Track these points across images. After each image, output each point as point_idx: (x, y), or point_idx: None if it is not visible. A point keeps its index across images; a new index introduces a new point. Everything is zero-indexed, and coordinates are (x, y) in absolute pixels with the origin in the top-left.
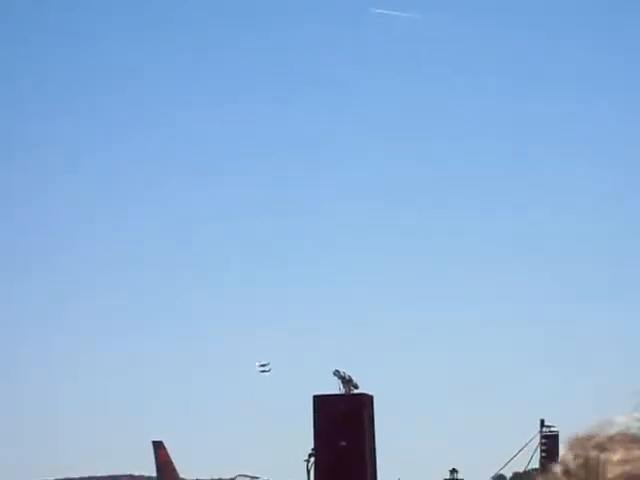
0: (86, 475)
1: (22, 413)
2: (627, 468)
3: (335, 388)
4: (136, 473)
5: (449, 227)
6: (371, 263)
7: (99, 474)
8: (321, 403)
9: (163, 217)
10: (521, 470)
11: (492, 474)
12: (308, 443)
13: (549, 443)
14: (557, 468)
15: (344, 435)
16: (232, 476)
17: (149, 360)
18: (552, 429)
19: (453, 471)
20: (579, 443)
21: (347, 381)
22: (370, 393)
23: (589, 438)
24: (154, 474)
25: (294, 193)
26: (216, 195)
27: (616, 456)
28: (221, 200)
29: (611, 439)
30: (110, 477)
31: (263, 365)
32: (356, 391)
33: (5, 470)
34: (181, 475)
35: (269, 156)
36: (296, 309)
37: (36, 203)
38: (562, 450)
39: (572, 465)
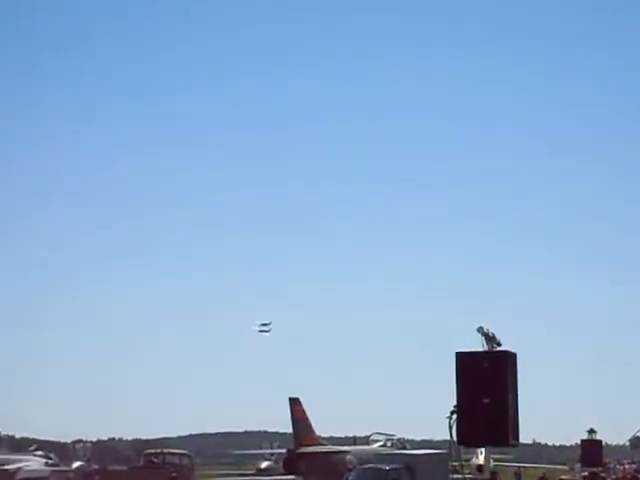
0: (222, 430)
1: (168, 371)
2: None
3: (478, 345)
4: (270, 429)
5: None
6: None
7: (234, 430)
8: (464, 360)
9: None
10: None
11: (630, 436)
12: (450, 400)
13: None
14: None
15: (487, 392)
16: (368, 434)
17: (290, 318)
18: None
19: (591, 431)
20: None
21: (490, 338)
22: (513, 350)
23: None
24: (289, 430)
25: None
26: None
27: None
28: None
29: None
30: (245, 433)
31: (264, 324)
32: (499, 348)
33: (150, 423)
34: (317, 432)
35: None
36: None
37: None
38: None
39: None
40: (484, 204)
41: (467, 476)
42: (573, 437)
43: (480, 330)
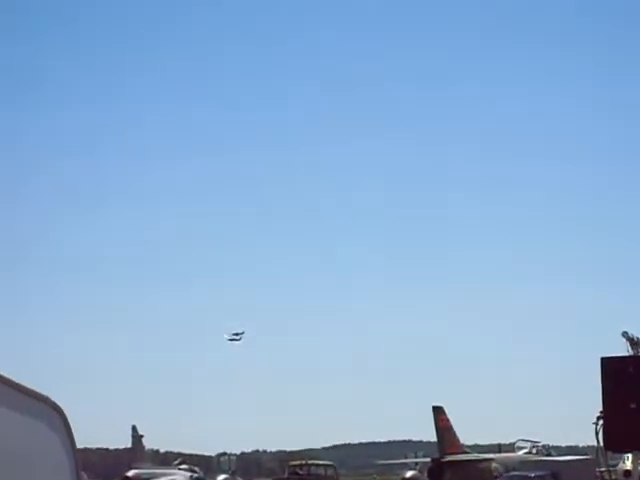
0: (365, 441)
1: (311, 383)
2: None
3: (623, 350)
4: (415, 438)
5: None
6: None
7: (377, 440)
8: (609, 365)
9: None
10: None
11: None
12: (596, 406)
13: None
14: None
15: (634, 397)
16: (512, 441)
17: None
18: None
19: None
20: None
21: (635, 343)
22: None
23: None
24: (433, 439)
25: None
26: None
27: None
28: None
29: None
30: (389, 442)
31: (236, 334)
32: None
33: (294, 435)
34: (461, 440)
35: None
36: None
37: None
38: None
39: None
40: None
41: None
42: None
43: (625, 335)
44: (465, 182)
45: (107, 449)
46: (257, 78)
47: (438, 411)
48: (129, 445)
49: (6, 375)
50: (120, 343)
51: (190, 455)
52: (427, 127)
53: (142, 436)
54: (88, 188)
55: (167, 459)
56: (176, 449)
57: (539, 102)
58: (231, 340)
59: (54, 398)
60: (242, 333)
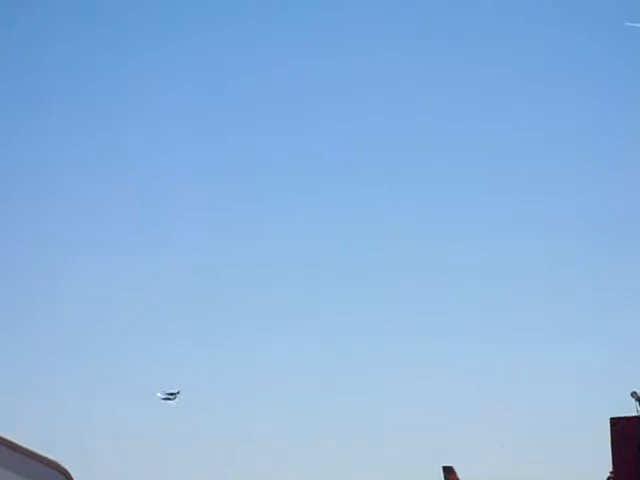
0: None
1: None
2: None
3: (632, 410)
4: None
5: None
6: None
7: None
8: (618, 425)
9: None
10: None
11: None
12: (606, 465)
13: None
14: None
15: None
16: None
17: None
18: None
19: None
20: None
21: None
22: None
23: None
24: None
25: None
26: None
27: None
28: None
29: None
30: None
31: (171, 394)
32: None
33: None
34: None
35: None
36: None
37: None
38: None
39: None
40: None
41: None
42: None
43: (634, 395)
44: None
45: None
46: None
47: (449, 471)
48: None
49: (15, 440)
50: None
51: None
52: None
53: None
54: None
55: None
56: None
57: None
58: (165, 399)
59: (60, 460)
60: (177, 393)
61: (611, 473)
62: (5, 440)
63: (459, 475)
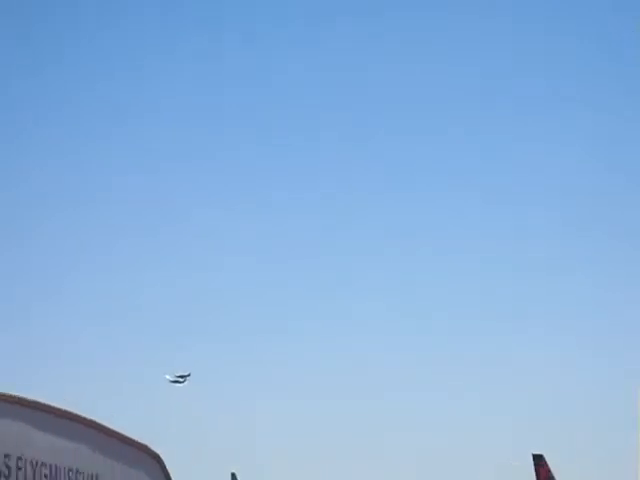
0: None
1: None
2: None
3: None
4: None
5: None
6: None
7: None
8: None
9: None
10: None
11: None
12: None
13: None
14: None
15: None
16: None
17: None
18: None
19: None
20: None
21: None
22: None
23: None
24: None
25: None
26: None
27: None
28: None
29: None
30: None
31: (181, 376)
32: None
33: None
34: None
35: None
36: None
37: None
38: None
39: None
40: None
41: None
42: None
43: None
44: None
45: None
46: None
47: (539, 460)
48: None
49: (109, 425)
50: None
51: None
52: None
53: None
54: None
55: None
56: None
57: None
58: (174, 382)
59: (152, 445)
60: (188, 375)
61: None
62: (98, 424)
63: (549, 464)
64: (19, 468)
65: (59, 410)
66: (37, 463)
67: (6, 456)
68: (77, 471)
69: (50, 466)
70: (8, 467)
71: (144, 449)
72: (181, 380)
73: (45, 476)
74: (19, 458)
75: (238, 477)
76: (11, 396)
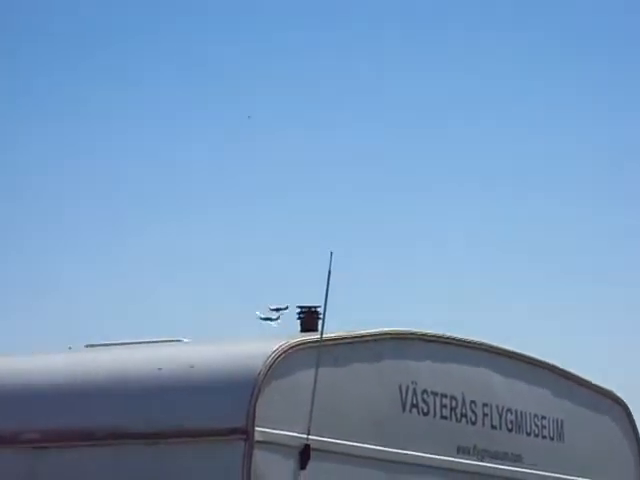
0: None
1: None
2: None
3: None
4: None
5: None
6: None
7: None
8: None
9: None
10: None
11: None
12: None
13: None
14: None
15: None
16: None
17: None
18: None
19: None
20: None
21: None
22: None
23: None
24: None
25: None
26: None
27: None
28: None
29: None
30: None
31: (277, 309)
32: None
33: None
34: None
35: None
36: None
37: None
38: None
39: None
40: None
41: None
42: None
43: None
44: None
45: None
46: None
47: None
48: None
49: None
50: None
51: None
52: None
53: None
54: None
55: None
56: None
57: None
58: (265, 319)
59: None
60: (285, 308)
61: None
62: (558, 368)
63: None
64: (485, 414)
65: (518, 355)
66: (502, 408)
67: (472, 402)
68: (542, 417)
69: (515, 412)
70: (474, 413)
71: (609, 395)
72: (273, 317)
73: (510, 422)
74: (485, 405)
75: None
76: (475, 342)
